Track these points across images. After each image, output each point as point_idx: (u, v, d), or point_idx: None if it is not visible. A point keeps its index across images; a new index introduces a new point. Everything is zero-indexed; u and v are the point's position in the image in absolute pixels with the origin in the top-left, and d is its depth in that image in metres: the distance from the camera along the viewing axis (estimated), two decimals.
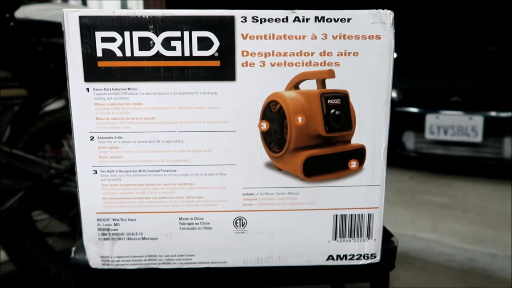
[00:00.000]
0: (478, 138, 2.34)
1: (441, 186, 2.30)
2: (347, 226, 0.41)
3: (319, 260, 0.42)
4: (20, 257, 1.07)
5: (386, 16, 0.38)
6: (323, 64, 0.38)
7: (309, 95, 0.39)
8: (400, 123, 2.55)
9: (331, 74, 0.38)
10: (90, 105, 0.38)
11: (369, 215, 0.41)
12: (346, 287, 0.58)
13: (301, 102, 0.39)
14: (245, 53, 0.38)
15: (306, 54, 0.38)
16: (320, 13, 0.37)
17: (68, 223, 1.17)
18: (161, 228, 0.40)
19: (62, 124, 1.10)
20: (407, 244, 1.53)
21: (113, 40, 0.37)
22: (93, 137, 0.38)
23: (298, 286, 0.44)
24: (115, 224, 0.40)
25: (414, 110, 2.54)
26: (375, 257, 0.42)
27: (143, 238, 0.41)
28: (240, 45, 0.37)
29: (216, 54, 0.37)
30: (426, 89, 2.59)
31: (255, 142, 0.39)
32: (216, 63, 0.38)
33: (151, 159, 0.39)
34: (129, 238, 0.40)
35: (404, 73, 2.45)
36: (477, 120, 2.34)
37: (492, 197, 2.09)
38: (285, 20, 0.37)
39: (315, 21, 0.38)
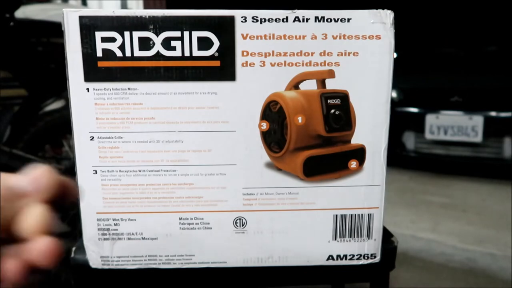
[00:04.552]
0: (478, 138, 2.34)
1: (441, 186, 2.30)
2: (347, 226, 0.41)
3: (319, 260, 0.42)
4: None
5: (386, 16, 0.38)
6: (323, 64, 0.38)
7: (309, 95, 0.39)
8: (400, 123, 2.55)
9: (331, 74, 0.38)
10: (90, 105, 0.38)
11: (369, 215, 0.41)
12: (346, 287, 0.58)
13: (301, 102, 0.39)
14: (245, 53, 0.38)
15: (306, 54, 0.38)
16: (320, 13, 0.37)
17: (68, 223, 1.16)
18: (161, 228, 0.40)
19: (62, 124, 1.10)
20: (407, 244, 1.53)
21: (113, 40, 0.37)
22: (93, 137, 0.38)
23: (298, 286, 0.44)
24: (115, 224, 0.40)
25: (414, 110, 2.54)
26: (375, 257, 0.42)
27: (143, 238, 0.40)
28: (240, 45, 0.37)
29: (216, 54, 0.37)
30: (426, 89, 2.59)
31: (255, 142, 0.39)
32: (216, 63, 0.38)
33: (151, 159, 0.39)
34: (129, 238, 0.40)
35: (404, 73, 2.45)
36: (477, 120, 2.34)
37: (492, 197, 2.09)
38: (285, 20, 0.37)
39: (315, 21, 0.38)
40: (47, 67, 1.16)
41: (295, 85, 0.38)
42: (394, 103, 2.29)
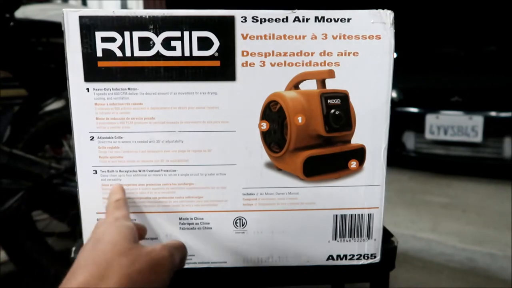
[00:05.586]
0: (478, 138, 2.34)
1: (441, 186, 2.30)
2: (347, 226, 0.41)
3: (319, 260, 0.42)
4: (20, 257, 1.07)
5: (386, 16, 0.38)
6: (323, 64, 0.38)
7: (309, 95, 0.39)
8: (400, 123, 2.55)
9: (331, 74, 0.38)
10: (90, 105, 0.38)
11: (369, 215, 0.41)
12: (346, 287, 0.58)
13: (301, 102, 0.39)
14: (245, 53, 0.38)
15: (306, 54, 0.38)
16: (320, 13, 0.37)
17: (68, 223, 1.16)
18: (161, 228, 0.40)
19: (62, 124, 1.10)
20: (407, 244, 1.53)
21: (113, 40, 0.37)
22: (93, 137, 0.38)
23: (298, 286, 0.44)
24: None
25: (414, 110, 2.54)
26: (375, 257, 0.42)
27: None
28: (240, 45, 0.37)
29: (216, 54, 0.37)
30: (426, 89, 2.59)
31: (255, 142, 0.39)
32: (216, 63, 0.38)
33: (151, 159, 0.39)
34: None
35: (404, 73, 2.45)
36: (477, 120, 2.34)
37: (492, 197, 2.09)
38: (285, 20, 0.37)
39: (315, 21, 0.38)
40: (47, 67, 1.16)
41: (295, 85, 0.38)
42: (394, 103, 2.28)
